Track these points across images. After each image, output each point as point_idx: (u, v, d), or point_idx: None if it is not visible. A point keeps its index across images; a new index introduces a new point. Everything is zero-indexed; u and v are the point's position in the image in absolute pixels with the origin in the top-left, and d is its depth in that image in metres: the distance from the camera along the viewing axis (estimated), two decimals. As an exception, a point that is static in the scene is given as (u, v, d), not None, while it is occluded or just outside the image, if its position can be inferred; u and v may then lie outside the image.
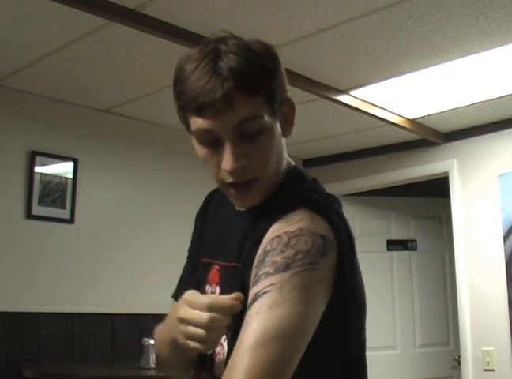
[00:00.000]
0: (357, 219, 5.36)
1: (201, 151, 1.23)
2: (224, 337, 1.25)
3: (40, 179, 3.78)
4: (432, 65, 3.42)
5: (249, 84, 1.15)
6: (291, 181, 1.31)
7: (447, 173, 4.69)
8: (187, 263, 1.51)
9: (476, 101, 3.98)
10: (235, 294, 1.14)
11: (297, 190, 1.26)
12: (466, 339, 4.44)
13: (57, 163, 3.88)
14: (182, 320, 1.15)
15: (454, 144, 4.67)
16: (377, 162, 5.05)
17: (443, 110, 4.17)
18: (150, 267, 4.10)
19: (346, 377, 1.28)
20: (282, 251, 1.11)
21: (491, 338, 4.30)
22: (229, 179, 1.21)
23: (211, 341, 1.15)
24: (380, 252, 5.38)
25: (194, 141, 1.24)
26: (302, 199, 1.21)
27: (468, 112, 4.21)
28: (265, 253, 1.14)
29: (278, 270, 1.09)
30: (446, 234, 5.40)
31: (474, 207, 4.52)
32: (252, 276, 1.13)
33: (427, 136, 4.63)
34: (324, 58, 3.35)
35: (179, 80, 1.20)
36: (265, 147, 1.21)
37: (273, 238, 1.15)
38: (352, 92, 3.84)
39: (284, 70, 1.26)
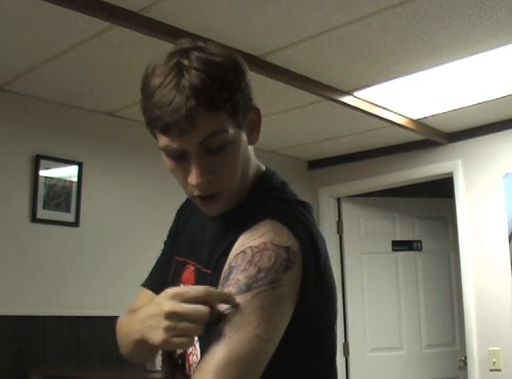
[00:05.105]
0: (362, 220, 5.37)
1: (168, 164, 1.27)
2: (196, 338, 1.27)
3: (45, 183, 3.79)
4: (436, 66, 3.42)
5: (211, 100, 1.17)
6: (258, 189, 1.34)
7: (452, 173, 4.68)
8: (161, 255, 1.56)
9: (480, 101, 3.98)
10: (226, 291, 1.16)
11: (263, 200, 1.29)
12: (472, 340, 4.43)
13: (61, 166, 3.89)
14: (173, 315, 1.09)
15: (458, 144, 4.66)
16: (381, 163, 5.05)
17: (447, 111, 4.16)
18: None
19: None
20: (245, 269, 1.14)
21: (497, 338, 4.29)
22: (196, 192, 1.25)
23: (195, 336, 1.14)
24: (385, 252, 5.37)
25: (162, 154, 1.27)
26: (267, 210, 1.24)
27: (472, 112, 4.21)
28: (230, 269, 1.17)
29: (240, 291, 1.12)
30: (451, 234, 5.39)
31: (479, 207, 4.51)
32: None
33: (432, 137, 4.63)
34: (327, 59, 3.34)
35: (145, 95, 1.25)
36: (230, 159, 1.24)
37: (238, 254, 1.18)
38: (355, 93, 3.84)
39: (248, 79, 1.27)
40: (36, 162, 3.76)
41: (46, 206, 3.77)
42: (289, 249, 1.18)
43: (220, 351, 1.07)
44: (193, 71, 1.17)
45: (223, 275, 1.18)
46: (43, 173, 3.78)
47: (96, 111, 4.09)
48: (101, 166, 4.10)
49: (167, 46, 3.36)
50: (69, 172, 3.92)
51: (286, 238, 1.19)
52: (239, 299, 1.11)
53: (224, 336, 1.08)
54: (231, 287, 1.13)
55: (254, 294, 1.11)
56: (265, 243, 1.17)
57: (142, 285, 1.53)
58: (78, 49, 3.17)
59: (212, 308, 1.11)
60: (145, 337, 1.14)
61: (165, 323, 1.09)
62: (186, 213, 1.52)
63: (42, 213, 3.75)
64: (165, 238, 1.61)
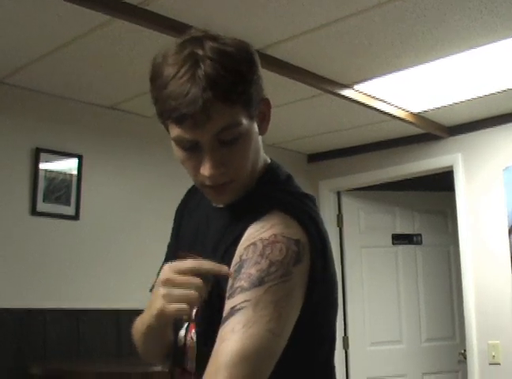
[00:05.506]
0: (362, 213, 5.37)
1: (179, 154, 1.27)
2: (193, 331, 1.30)
3: (45, 176, 3.79)
4: (436, 59, 3.41)
5: (227, 93, 1.16)
6: (265, 181, 1.34)
7: (452, 167, 4.68)
8: (166, 258, 1.56)
9: (481, 95, 3.98)
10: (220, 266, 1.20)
11: (271, 192, 1.30)
12: (472, 333, 4.44)
13: (61, 159, 3.89)
14: (168, 282, 1.17)
15: (459, 137, 4.66)
16: (381, 156, 5.05)
17: (447, 104, 4.16)
18: (155, 263, 4.09)
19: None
20: (257, 262, 1.15)
21: (496, 331, 4.30)
22: (207, 183, 1.25)
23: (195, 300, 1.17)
24: (385, 246, 5.38)
25: (173, 144, 1.27)
26: (275, 202, 1.25)
27: (472, 106, 4.20)
28: (242, 262, 1.17)
29: (252, 285, 1.13)
30: (451, 228, 5.39)
31: (479, 201, 4.52)
32: (228, 286, 1.17)
33: (432, 130, 4.63)
34: (328, 52, 3.34)
35: (157, 85, 1.21)
36: (242, 151, 1.24)
37: (249, 246, 1.18)
38: (356, 87, 3.84)
39: (260, 69, 1.26)
40: (36, 155, 3.76)
41: (46, 199, 3.77)
42: (299, 241, 1.18)
43: (233, 347, 1.07)
44: (209, 61, 1.15)
45: (233, 267, 1.18)
46: (43, 166, 3.78)
47: (96, 104, 4.08)
48: (101, 159, 4.10)
49: (167, 39, 3.36)
50: (69, 165, 3.92)
51: (295, 231, 1.19)
52: (251, 294, 1.11)
53: (236, 331, 1.09)
54: (243, 281, 1.13)
55: (266, 288, 1.12)
56: (275, 235, 1.17)
57: (150, 291, 1.54)
58: (78, 42, 3.17)
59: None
60: (152, 313, 1.21)
61: (162, 290, 1.17)
62: (189, 207, 1.52)
63: (42, 206, 3.75)
64: (165, 237, 1.61)
